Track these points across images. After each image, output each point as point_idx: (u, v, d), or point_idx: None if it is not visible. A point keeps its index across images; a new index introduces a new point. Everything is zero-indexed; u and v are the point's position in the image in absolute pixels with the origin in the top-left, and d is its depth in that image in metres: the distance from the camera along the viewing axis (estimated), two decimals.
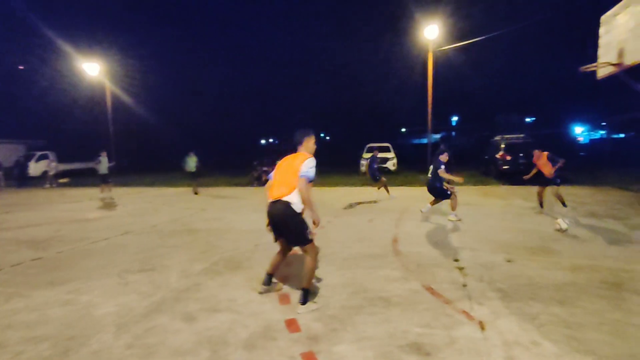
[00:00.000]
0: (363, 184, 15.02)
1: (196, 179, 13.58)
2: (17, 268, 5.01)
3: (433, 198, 7.51)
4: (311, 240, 3.56)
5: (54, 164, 19.72)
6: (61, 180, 19.80)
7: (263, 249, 5.56)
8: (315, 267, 3.56)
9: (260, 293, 3.85)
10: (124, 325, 3.26)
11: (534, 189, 8.43)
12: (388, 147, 20.62)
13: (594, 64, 7.04)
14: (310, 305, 3.47)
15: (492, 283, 4.02)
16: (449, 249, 5.39)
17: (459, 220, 7.28)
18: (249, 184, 15.98)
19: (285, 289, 4.00)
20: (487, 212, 8.21)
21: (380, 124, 48.02)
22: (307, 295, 3.50)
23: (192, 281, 4.30)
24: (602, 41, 7.10)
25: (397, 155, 20.22)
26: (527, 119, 46.70)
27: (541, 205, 8.11)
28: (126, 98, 27.90)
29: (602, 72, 7.10)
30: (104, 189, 13.15)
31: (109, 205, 11.10)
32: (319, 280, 4.23)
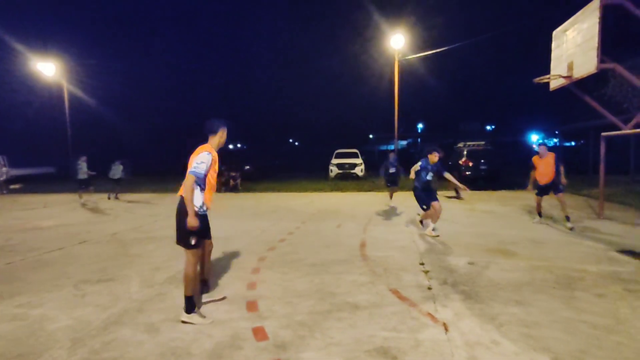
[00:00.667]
0: (332, 190, 15.12)
1: (118, 186, 13.38)
2: None
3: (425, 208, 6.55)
4: (192, 247, 3.38)
5: (5, 169, 18.49)
6: (13, 187, 18.59)
7: (230, 257, 5.46)
8: (193, 275, 3.39)
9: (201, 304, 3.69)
10: (79, 339, 3.08)
11: (496, 194, 8.77)
12: (356, 153, 20.90)
13: (547, 76, 7.48)
14: (195, 317, 3.32)
15: (455, 285, 4.14)
16: (415, 253, 5.51)
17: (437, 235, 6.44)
18: (217, 189, 15.68)
19: (254, 295, 3.94)
20: (451, 217, 8.48)
21: (349, 131, 48.67)
22: (189, 303, 3.34)
23: (155, 291, 4.15)
24: (553, 55, 7.56)
25: (365, 162, 20.51)
26: (488, 127, 48.80)
27: (540, 214, 7.60)
28: (86, 99, 26.68)
29: (554, 83, 7.55)
30: (82, 195, 12.79)
31: (65, 212, 10.52)
32: (287, 286, 4.20)
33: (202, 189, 3.45)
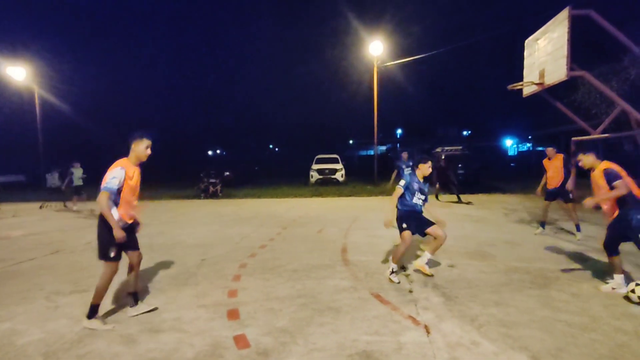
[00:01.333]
0: (313, 195, 15.11)
1: (76, 193, 12.20)
2: None
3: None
4: (111, 259, 3.33)
5: None
6: None
7: (210, 264, 5.36)
8: (105, 287, 3.37)
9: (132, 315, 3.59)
10: (52, 353, 2.95)
11: (474, 198, 8.93)
12: (336, 158, 21.00)
13: (520, 83, 7.73)
14: (96, 322, 3.31)
15: (436, 288, 4.19)
16: None
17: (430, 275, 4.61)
18: (196, 196, 15.42)
19: (235, 303, 3.88)
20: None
21: (329, 136, 48.89)
22: (92, 310, 3.33)
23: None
24: (526, 62, 7.83)
25: (345, 167, 20.63)
26: (465, 132, 49.93)
27: (543, 224, 6.90)
28: (59, 105, 25.85)
29: (527, 90, 7.81)
30: (75, 202, 12.20)
31: (38, 222, 10.12)
32: (268, 293, 4.15)
33: (117, 204, 3.33)
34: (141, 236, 3.88)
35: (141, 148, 3.48)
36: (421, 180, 4.52)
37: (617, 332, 3.08)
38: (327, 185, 18.85)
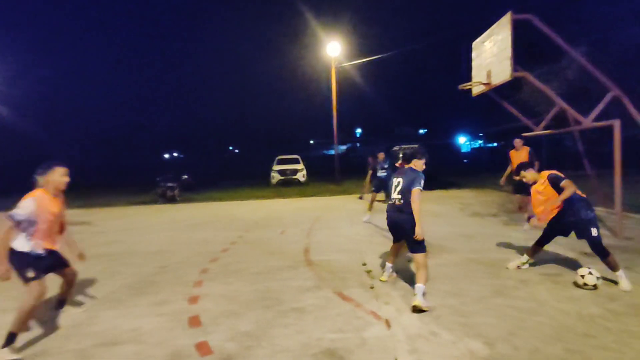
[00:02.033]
0: (275, 196, 15.01)
1: None
2: None
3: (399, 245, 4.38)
4: (28, 280, 3.10)
5: None
6: None
7: (170, 271, 5.19)
8: (30, 311, 3.03)
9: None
10: None
11: (431, 194, 9.20)
12: (297, 158, 20.99)
13: (470, 83, 8.10)
14: (6, 352, 2.90)
15: (396, 282, 4.32)
16: (358, 254, 5.65)
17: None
18: (153, 201, 14.82)
19: (196, 310, 3.77)
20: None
21: (290, 137, 48.83)
22: (10, 339, 2.95)
23: (87, 314, 3.80)
24: (474, 64, 8.22)
25: (307, 167, 20.67)
26: (421, 131, 51.64)
27: (528, 219, 6.81)
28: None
29: (476, 90, 8.21)
30: None
31: None
32: (231, 297, 4.08)
33: (31, 235, 3.14)
34: (96, 245, 3.71)
35: (56, 177, 3.30)
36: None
37: (561, 314, 3.32)
38: (288, 186, 18.80)
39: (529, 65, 11.02)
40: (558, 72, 13.67)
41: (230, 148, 68.55)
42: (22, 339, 3.29)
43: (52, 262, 3.34)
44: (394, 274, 4.51)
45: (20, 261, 3.10)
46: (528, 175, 4.37)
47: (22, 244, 3.13)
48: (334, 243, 6.47)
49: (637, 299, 3.59)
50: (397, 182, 4.03)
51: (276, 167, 19.99)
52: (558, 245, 5.56)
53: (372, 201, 8.48)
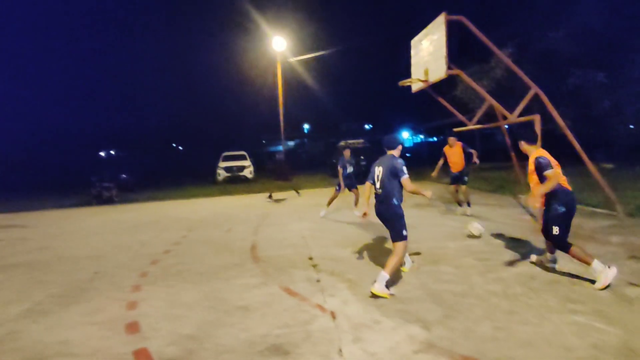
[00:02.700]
0: (221, 194, 14.64)
1: None
2: None
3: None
4: None
5: None
6: None
7: (105, 276, 4.87)
8: None
9: None
10: None
11: None
12: (244, 155, 20.61)
13: (409, 80, 8.44)
14: None
15: (341, 274, 4.41)
16: (305, 249, 5.69)
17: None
18: (87, 203, 13.78)
19: (135, 315, 3.58)
20: (335, 210, 8.97)
21: (239, 134, 47.84)
22: None
23: (7, 329, 3.45)
24: (413, 61, 8.57)
25: (255, 163, 20.38)
26: (366, 126, 52.97)
27: (460, 204, 7.98)
28: None
29: (415, 87, 8.57)
30: None
31: None
32: (173, 300, 3.93)
33: None
34: (17, 254, 3.37)
35: None
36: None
37: (490, 295, 3.60)
38: (235, 183, 18.42)
39: (463, 63, 11.72)
40: (488, 71, 14.71)
41: (174, 145, 65.59)
42: None
43: None
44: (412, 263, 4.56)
45: None
46: (522, 146, 4.07)
47: None
48: (282, 239, 6.46)
49: (554, 276, 3.98)
50: (378, 171, 4.04)
51: (222, 164, 19.48)
52: (488, 231, 6.01)
53: (333, 199, 8.47)
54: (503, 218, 7.17)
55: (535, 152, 3.91)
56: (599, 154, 15.02)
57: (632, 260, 4.35)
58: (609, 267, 3.56)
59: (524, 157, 10.26)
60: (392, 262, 3.75)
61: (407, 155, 38.06)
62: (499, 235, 5.80)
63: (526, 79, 7.18)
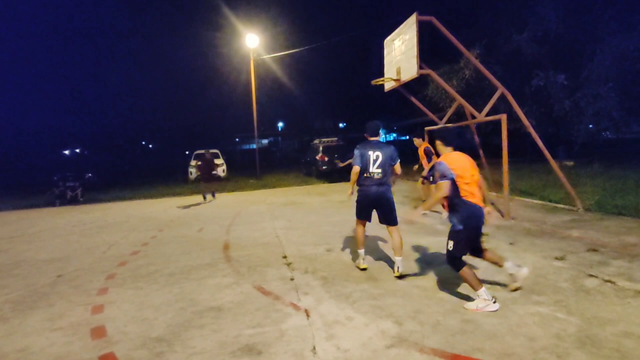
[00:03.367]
0: (193, 193, 14.32)
1: None
2: None
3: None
4: None
5: None
6: None
7: (68, 280, 4.66)
8: None
9: None
10: None
11: (344, 185, 9.57)
12: (217, 153, 20.23)
13: (382, 79, 8.54)
14: None
15: (315, 272, 4.42)
16: (278, 247, 5.65)
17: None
18: (50, 204, 13.15)
19: (101, 319, 3.45)
20: (310, 208, 8.98)
21: (213, 132, 47.00)
22: None
23: None
24: (386, 60, 8.68)
25: (227, 162, 20.07)
26: (340, 124, 53.20)
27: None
28: None
29: (387, 85, 8.68)
30: None
31: None
32: (141, 302, 3.81)
33: None
34: None
35: None
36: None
37: (459, 289, 3.70)
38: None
39: (434, 63, 11.97)
40: (458, 71, 15.08)
41: (143, 143, 63.59)
42: None
43: None
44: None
45: None
46: (437, 146, 3.61)
47: None
48: (254, 237, 6.39)
49: None
50: (376, 155, 4.16)
51: (194, 163, 19.05)
52: None
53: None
54: None
55: (443, 156, 3.45)
56: (561, 152, 15.79)
57: (590, 253, 4.58)
58: (494, 301, 3.20)
59: (492, 155, 10.56)
60: (398, 244, 4.15)
61: None
62: None
63: (493, 79, 7.41)
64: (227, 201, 11.74)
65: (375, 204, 4.25)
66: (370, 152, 4.18)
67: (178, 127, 51.44)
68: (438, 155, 3.59)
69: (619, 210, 6.63)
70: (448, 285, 3.81)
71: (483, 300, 3.21)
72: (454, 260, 3.33)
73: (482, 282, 3.30)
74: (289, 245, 5.76)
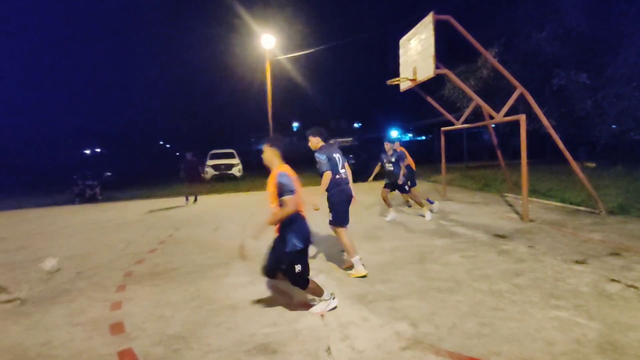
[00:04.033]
0: (209, 192, 14.51)
1: None
2: None
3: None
4: None
5: None
6: None
7: (88, 276, 4.78)
8: None
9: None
10: None
11: (364, 185, 9.51)
12: (232, 153, 20.48)
13: (397, 79, 8.48)
14: None
15: (330, 273, 4.42)
16: None
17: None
18: (70, 202, 13.52)
19: (119, 315, 3.53)
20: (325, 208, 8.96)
21: (229, 132, 47.57)
22: None
23: None
24: (401, 60, 8.62)
25: (243, 162, 20.26)
26: (355, 124, 53.06)
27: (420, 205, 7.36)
28: None
29: (403, 85, 8.62)
30: None
31: None
32: (159, 300, 3.87)
33: None
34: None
35: None
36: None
37: (476, 292, 3.64)
38: (223, 181, 18.28)
39: (451, 63, 11.81)
40: (475, 71, 14.84)
41: (161, 143, 64.74)
42: None
43: None
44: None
45: None
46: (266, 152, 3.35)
47: None
48: (271, 238, 6.41)
49: (539, 273, 4.04)
50: (338, 157, 4.35)
51: (210, 162, 19.31)
52: (475, 229, 6.09)
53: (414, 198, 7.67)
54: (488, 215, 7.26)
55: (279, 166, 3.19)
56: (582, 153, 15.38)
57: (612, 257, 4.45)
58: (333, 297, 3.34)
59: (510, 156, 10.37)
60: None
61: None
62: (484, 233, 5.87)
63: (512, 79, 7.28)
64: (242, 201, 11.85)
65: (349, 200, 4.41)
66: (334, 155, 4.30)
67: (194, 127, 52.18)
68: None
69: None
70: (464, 288, 3.76)
71: (324, 301, 3.33)
72: (304, 281, 3.25)
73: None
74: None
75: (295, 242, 3.13)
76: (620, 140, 14.55)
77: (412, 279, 4.08)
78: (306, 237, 3.23)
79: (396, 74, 8.65)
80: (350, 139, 19.10)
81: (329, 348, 2.77)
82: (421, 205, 7.34)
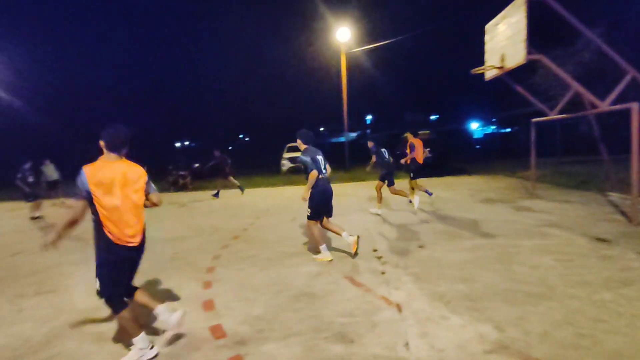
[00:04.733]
0: (285, 184, 15.08)
1: (55, 190, 11.38)
2: None
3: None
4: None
5: None
6: None
7: (182, 257, 5.29)
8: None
9: None
10: (18, 357, 2.86)
11: (441, 180, 9.18)
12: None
13: (482, 67, 7.95)
14: None
15: (407, 268, 4.34)
16: (369, 240, 5.67)
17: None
18: (165, 190, 15.03)
19: (210, 294, 3.86)
20: (401, 203, 8.80)
21: (300, 124, 48.80)
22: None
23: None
24: (487, 47, 8.05)
25: None
26: (432, 117, 50.97)
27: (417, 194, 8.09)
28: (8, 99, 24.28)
29: (489, 74, 8.05)
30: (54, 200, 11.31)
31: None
32: (243, 283, 4.16)
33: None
34: None
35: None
36: None
37: (572, 299, 3.31)
38: (299, 173, 18.83)
39: (543, 47, 10.71)
40: (574, 54, 13.27)
41: (241, 136, 68.72)
42: (37, 324, 3.42)
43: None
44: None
45: None
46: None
47: None
48: (345, 229, 6.49)
49: None
50: (321, 158, 4.92)
51: (286, 155, 20.02)
52: (570, 231, 5.51)
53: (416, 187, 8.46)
54: (587, 216, 6.51)
55: (96, 163, 2.81)
56: None
57: None
58: (151, 347, 2.77)
59: (614, 150, 9.18)
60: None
61: (477, 147, 36.02)
62: (582, 236, 5.29)
63: (621, 61, 6.41)
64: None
65: (330, 199, 4.90)
66: (318, 157, 4.85)
67: (271, 121, 54.39)
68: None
69: None
70: (557, 293, 3.44)
71: (139, 349, 2.69)
72: (113, 301, 2.76)
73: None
74: (379, 239, 5.74)
75: (105, 258, 2.81)
76: None
77: (496, 280, 3.84)
78: (109, 254, 2.80)
79: (477, 63, 8.12)
80: (428, 131, 18.37)
81: (407, 343, 2.74)
82: (405, 195, 7.86)
